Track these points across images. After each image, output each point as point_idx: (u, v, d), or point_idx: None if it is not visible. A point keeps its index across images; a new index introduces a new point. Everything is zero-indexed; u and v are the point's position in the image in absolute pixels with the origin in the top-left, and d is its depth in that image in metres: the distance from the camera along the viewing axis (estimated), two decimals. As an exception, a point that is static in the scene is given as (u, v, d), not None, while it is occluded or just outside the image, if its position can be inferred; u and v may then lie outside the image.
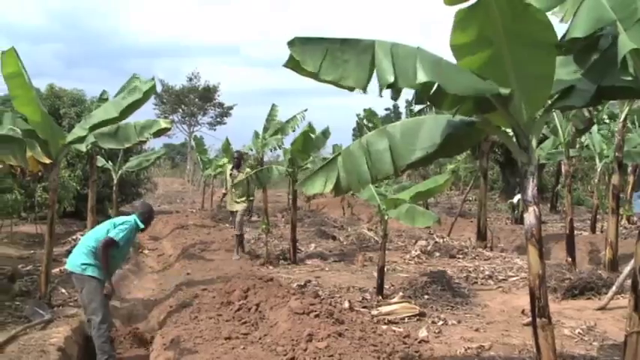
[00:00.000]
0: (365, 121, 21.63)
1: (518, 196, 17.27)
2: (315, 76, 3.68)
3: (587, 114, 8.63)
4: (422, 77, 3.31)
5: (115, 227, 5.95)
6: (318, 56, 3.61)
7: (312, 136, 10.99)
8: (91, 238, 6.03)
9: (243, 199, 11.36)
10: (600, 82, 3.65)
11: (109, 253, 5.86)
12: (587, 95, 3.71)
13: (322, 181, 4.86)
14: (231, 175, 11.64)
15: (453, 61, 3.61)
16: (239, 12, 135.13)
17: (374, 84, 3.55)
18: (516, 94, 3.67)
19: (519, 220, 16.12)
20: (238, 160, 12.18)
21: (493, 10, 3.31)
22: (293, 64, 3.69)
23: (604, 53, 3.69)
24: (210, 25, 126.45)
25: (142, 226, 6.16)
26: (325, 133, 12.10)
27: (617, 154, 9.38)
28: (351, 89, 3.66)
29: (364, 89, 3.56)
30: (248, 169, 12.09)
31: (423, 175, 21.36)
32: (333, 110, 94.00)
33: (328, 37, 3.71)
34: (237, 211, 11.26)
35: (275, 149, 16.07)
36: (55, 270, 7.78)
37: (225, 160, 20.17)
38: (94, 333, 5.72)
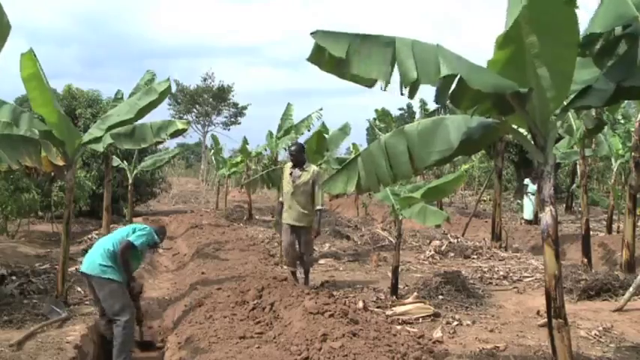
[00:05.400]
0: (377, 122, 21.64)
1: (527, 181, 17.15)
2: (338, 68, 3.66)
3: (594, 114, 8.54)
4: (445, 71, 3.30)
5: (134, 232, 6.06)
6: (342, 49, 3.59)
7: (326, 136, 10.98)
8: (108, 240, 6.10)
9: (309, 210, 8.21)
10: (619, 81, 3.62)
11: (128, 258, 5.98)
12: (604, 95, 3.69)
13: (344, 182, 4.99)
14: (291, 174, 8.36)
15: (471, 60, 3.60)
16: (260, 12, 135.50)
17: (393, 82, 3.55)
18: (535, 92, 3.65)
19: (534, 221, 16.04)
20: (297, 154, 8.40)
21: (523, 9, 3.30)
22: (317, 57, 3.68)
23: (625, 54, 3.66)
24: (231, 25, 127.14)
25: (157, 239, 6.29)
26: (344, 129, 12.04)
27: (633, 153, 9.29)
28: (372, 84, 3.65)
29: (388, 82, 3.52)
30: (315, 168, 8.55)
31: (437, 174, 21.27)
32: (349, 110, 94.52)
33: (349, 32, 3.70)
34: (302, 227, 8.25)
35: (288, 149, 16.06)
36: (72, 269, 7.84)
37: (239, 159, 20.28)
38: (118, 331, 5.80)
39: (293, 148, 8.61)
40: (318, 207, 8.20)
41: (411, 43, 3.53)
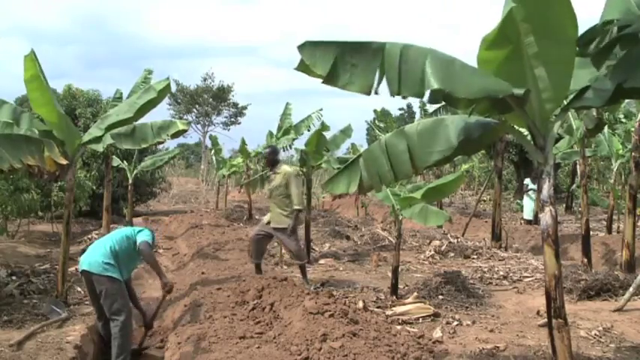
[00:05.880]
0: (376, 122, 21.68)
1: (527, 181, 17.17)
2: (325, 80, 3.69)
3: (594, 114, 8.55)
4: (432, 84, 3.31)
5: (137, 233, 6.25)
6: (328, 61, 3.62)
7: (325, 134, 11.02)
8: (109, 240, 6.16)
9: (288, 211, 8.27)
10: (622, 82, 3.61)
11: (151, 256, 6.26)
12: (604, 95, 3.68)
13: (346, 182, 5.04)
14: (267, 178, 8.73)
15: (467, 61, 3.60)
16: (260, 13, 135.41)
17: (385, 86, 3.56)
18: (533, 92, 3.65)
19: (534, 221, 16.04)
20: (268, 157, 8.73)
21: (516, 7, 3.30)
22: (304, 67, 3.71)
23: (625, 53, 3.66)
24: (231, 25, 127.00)
25: (151, 238, 6.35)
26: (346, 131, 12.06)
27: (633, 153, 9.28)
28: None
29: (368, 94, 3.56)
30: (286, 169, 8.59)
31: (437, 174, 21.29)
32: (349, 110, 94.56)
33: (340, 40, 3.71)
34: (282, 229, 8.28)
35: (286, 149, 16.07)
36: (72, 269, 7.84)
37: (240, 159, 20.30)
38: (116, 332, 5.80)
39: (265, 150, 8.89)
40: (296, 207, 8.21)
41: (400, 50, 3.52)
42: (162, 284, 6.41)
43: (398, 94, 3.45)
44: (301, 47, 3.65)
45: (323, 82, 3.69)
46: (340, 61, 3.61)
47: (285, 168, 8.57)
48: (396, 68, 3.45)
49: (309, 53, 3.65)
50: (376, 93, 3.55)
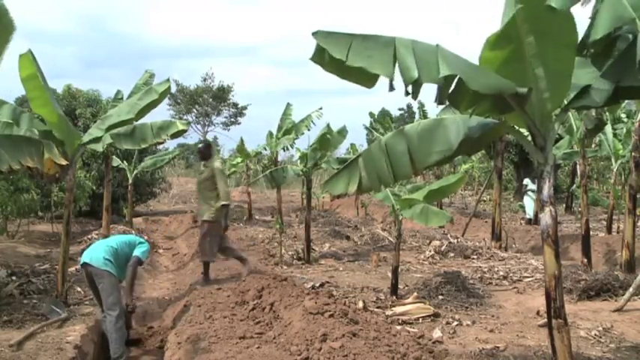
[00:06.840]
0: (374, 123, 21.73)
1: (527, 181, 17.18)
2: (340, 68, 3.63)
3: (594, 114, 8.54)
4: (445, 71, 3.27)
5: (137, 244, 6.53)
6: (344, 47, 3.57)
7: (329, 137, 11.05)
8: (112, 240, 6.53)
9: (210, 205, 8.31)
10: (618, 81, 3.62)
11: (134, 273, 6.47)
12: (604, 95, 3.68)
13: (345, 182, 5.03)
14: (201, 171, 8.73)
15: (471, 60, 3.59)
16: (261, 13, 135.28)
17: (395, 83, 3.52)
18: (534, 92, 3.65)
19: (534, 221, 16.05)
20: (202, 151, 8.72)
21: (519, 9, 3.30)
22: (319, 57, 3.66)
23: (623, 53, 3.66)
24: (231, 25, 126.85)
25: (145, 256, 6.61)
26: (342, 132, 12.10)
27: (633, 153, 9.28)
28: (373, 84, 3.62)
29: (392, 78, 3.48)
30: (215, 164, 8.54)
31: (437, 175, 21.28)
32: (347, 110, 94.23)
33: (349, 32, 3.68)
34: (204, 221, 8.39)
35: (287, 149, 16.08)
36: (72, 269, 7.84)
37: (239, 159, 20.33)
38: (110, 327, 6.03)
39: (200, 145, 9.00)
40: (222, 202, 8.19)
41: (410, 43, 3.51)
42: (125, 303, 6.37)
43: (415, 83, 3.38)
44: (315, 34, 3.60)
45: (338, 72, 3.66)
46: (354, 50, 3.56)
47: (213, 163, 8.62)
48: (411, 56, 3.40)
49: (324, 41, 3.59)
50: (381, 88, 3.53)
